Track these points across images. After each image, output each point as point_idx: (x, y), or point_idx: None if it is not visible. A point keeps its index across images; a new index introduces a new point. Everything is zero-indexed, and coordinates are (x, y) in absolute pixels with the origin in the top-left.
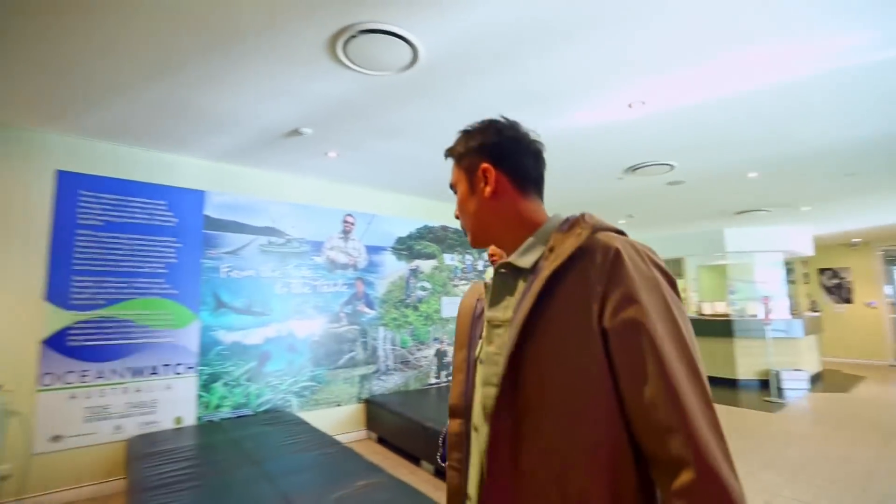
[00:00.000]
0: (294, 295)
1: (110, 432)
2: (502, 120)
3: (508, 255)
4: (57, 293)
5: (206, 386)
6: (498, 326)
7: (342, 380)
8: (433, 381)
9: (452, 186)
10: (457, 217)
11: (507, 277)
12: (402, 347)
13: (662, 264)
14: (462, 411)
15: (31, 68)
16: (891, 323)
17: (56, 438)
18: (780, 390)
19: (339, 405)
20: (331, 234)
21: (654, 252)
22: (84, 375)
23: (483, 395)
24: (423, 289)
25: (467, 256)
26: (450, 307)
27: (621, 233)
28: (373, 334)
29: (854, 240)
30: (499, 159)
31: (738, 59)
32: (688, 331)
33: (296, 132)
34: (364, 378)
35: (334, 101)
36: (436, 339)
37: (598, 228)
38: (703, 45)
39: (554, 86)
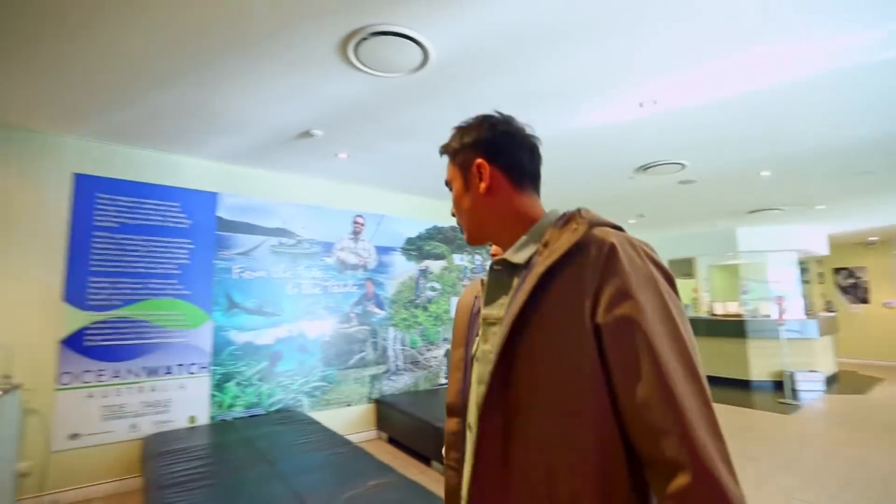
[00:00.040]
0: (305, 295)
1: (126, 431)
2: (496, 115)
3: (505, 251)
4: (74, 294)
5: (219, 385)
6: (493, 324)
7: (353, 380)
8: (443, 381)
9: (448, 183)
10: (453, 215)
11: (502, 274)
12: (412, 348)
13: (660, 260)
14: (459, 410)
15: (50, 73)
16: None
17: (74, 436)
18: (794, 392)
19: (349, 405)
20: (341, 235)
21: (652, 248)
22: (101, 375)
23: (478, 393)
24: (433, 289)
25: (476, 257)
26: None
27: (619, 228)
28: (383, 335)
29: (870, 238)
30: (493, 155)
31: (752, 57)
32: (685, 328)
33: (307, 134)
34: (374, 378)
35: (345, 102)
36: (445, 340)
37: (595, 224)
38: (717, 43)
39: (565, 86)
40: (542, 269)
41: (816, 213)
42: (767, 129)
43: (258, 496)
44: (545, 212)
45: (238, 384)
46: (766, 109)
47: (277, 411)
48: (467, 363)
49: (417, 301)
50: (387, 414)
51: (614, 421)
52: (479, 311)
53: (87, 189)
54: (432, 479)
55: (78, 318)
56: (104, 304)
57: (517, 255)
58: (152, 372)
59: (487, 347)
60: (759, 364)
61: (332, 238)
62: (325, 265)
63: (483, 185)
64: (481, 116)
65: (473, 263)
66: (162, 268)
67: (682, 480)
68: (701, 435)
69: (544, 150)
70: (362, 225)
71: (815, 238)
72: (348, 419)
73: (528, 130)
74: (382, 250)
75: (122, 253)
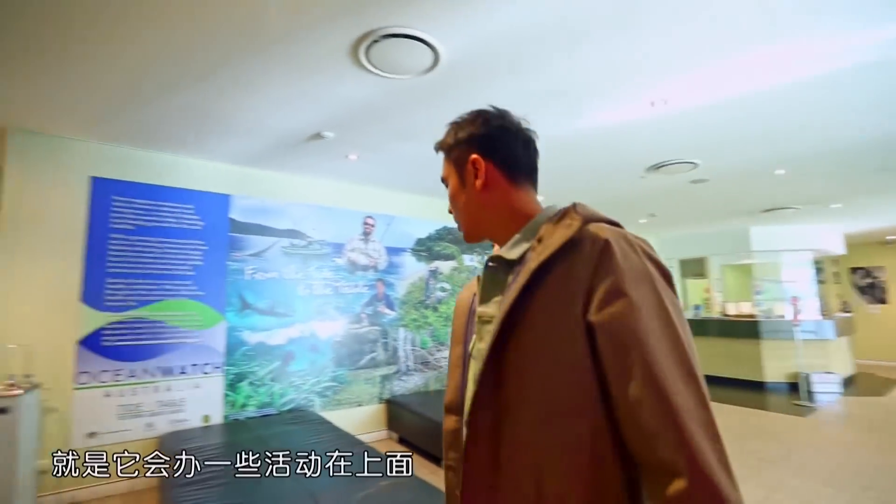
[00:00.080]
0: (316, 296)
1: (142, 429)
2: (491, 109)
3: (501, 248)
4: (92, 295)
5: (232, 385)
6: (487, 322)
7: (363, 380)
8: None
9: (444, 180)
10: (450, 212)
11: (497, 271)
12: (422, 348)
13: (657, 257)
14: (457, 408)
15: (70, 79)
16: None
17: (92, 435)
18: (810, 394)
19: (360, 405)
20: (351, 236)
21: (649, 244)
22: (117, 374)
23: (472, 391)
24: (443, 290)
25: (486, 257)
26: None
27: (616, 224)
28: (393, 335)
29: (889, 237)
30: (488, 150)
31: (766, 54)
32: (682, 326)
33: (318, 136)
34: (385, 378)
35: (356, 104)
36: None
37: (590, 219)
38: (729, 41)
39: (575, 86)
40: (534, 266)
41: (832, 212)
42: (783, 127)
43: (273, 494)
44: (542, 207)
45: (251, 384)
46: (781, 106)
47: (290, 411)
48: (465, 361)
49: (427, 302)
50: (397, 414)
51: (607, 422)
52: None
53: (104, 192)
54: (443, 480)
55: (95, 319)
56: (121, 305)
57: (511, 252)
58: (167, 372)
59: (482, 346)
60: (774, 365)
61: (342, 239)
62: (336, 266)
63: (478, 182)
64: (476, 111)
65: (483, 264)
66: (176, 269)
67: (678, 486)
68: (697, 437)
69: (554, 151)
70: (372, 226)
71: (830, 237)
72: (359, 419)
73: (524, 124)
74: (392, 251)
75: (138, 254)
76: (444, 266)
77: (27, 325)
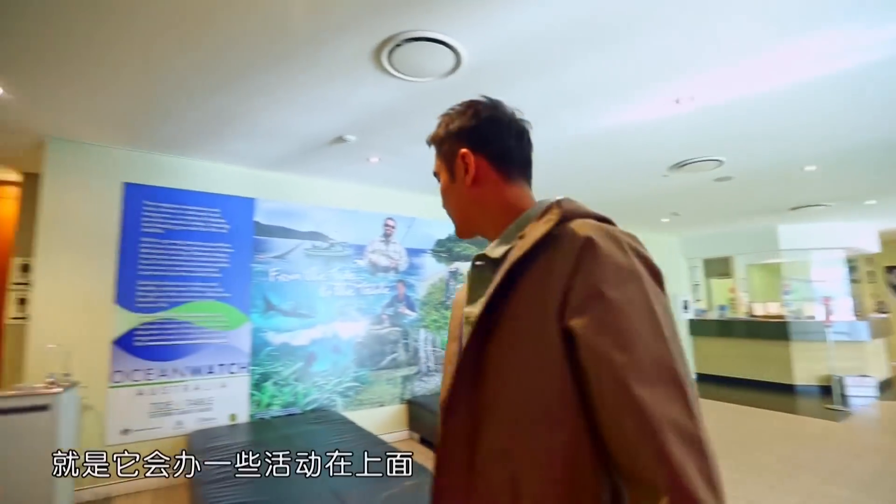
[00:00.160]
0: (338, 297)
1: (172, 427)
2: (483, 100)
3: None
4: (125, 297)
5: (257, 385)
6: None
7: (385, 380)
8: None
9: (436, 174)
10: (443, 207)
11: (484, 270)
12: (443, 349)
13: (647, 255)
14: None
15: (105, 89)
16: None
17: (125, 431)
18: (843, 397)
19: (382, 405)
20: (372, 238)
21: (639, 241)
22: (149, 373)
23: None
24: None
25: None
26: None
27: (606, 220)
28: (414, 336)
29: None
30: (478, 143)
31: (794, 50)
32: (669, 328)
33: (340, 139)
34: (406, 379)
35: (378, 108)
36: None
37: (573, 214)
38: (756, 38)
39: (598, 86)
40: (508, 266)
41: (866, 209)
42: (814, 122)
43: (298, 493)
44: (535, 202)
45: (275, 384)
46: (812, 102)
47: (313, 411)
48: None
49: (448, 303)
50: (418, 414)
51: (583, 429)
52: None
53: (135, 197)
54: None
55: (128, 320)
56: (152, 307)
57: (496, 250)
58: (196, 371)
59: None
60: (804, 368)
61: (363, 241)
62: (358, 268)
63: (468, 177)
64: (467, 102)
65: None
66: (204, 271)
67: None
68: (678, 453)
69: (577, 151)
70: (393, 227)
71: (864, 235)
72: (381, 419)
73: (518, 115)
74: (413, 252)
75: (167, 257)
76: (465, 267)
77: (65, 325)
